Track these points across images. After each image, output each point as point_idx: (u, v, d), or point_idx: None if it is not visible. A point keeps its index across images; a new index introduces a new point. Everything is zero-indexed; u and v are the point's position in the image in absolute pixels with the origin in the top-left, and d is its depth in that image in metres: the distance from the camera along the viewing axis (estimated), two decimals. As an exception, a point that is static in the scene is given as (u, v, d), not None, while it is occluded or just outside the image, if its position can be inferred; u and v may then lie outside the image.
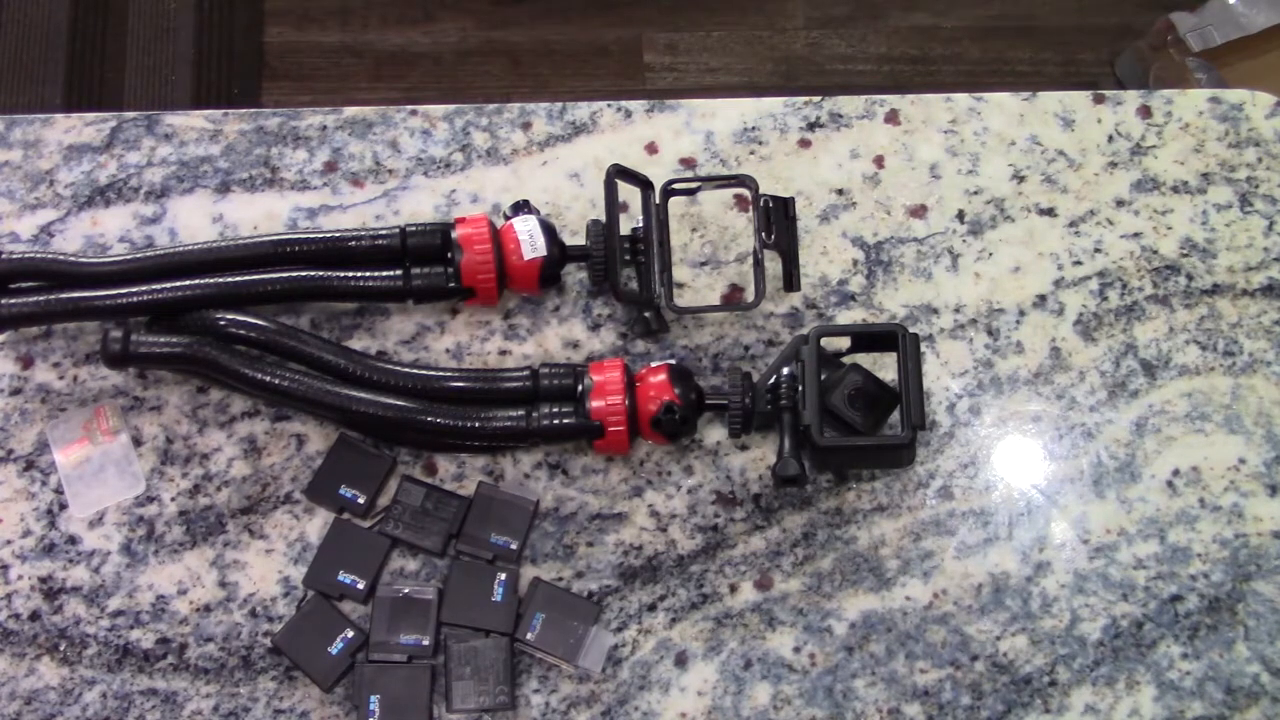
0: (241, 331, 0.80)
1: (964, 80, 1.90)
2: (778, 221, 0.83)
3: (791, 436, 0.77)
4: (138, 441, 0.83)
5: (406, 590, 0.79)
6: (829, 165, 0.90)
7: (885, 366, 0.81)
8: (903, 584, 0.80)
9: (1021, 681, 0.79)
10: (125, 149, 0.90)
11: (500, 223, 0.83)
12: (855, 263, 0.88)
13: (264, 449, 0.83)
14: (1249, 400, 0.85)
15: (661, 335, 0.85)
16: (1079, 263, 0.88)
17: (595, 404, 0.78)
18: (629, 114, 0.91)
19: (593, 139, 0.91)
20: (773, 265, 0.85)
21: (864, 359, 0.80)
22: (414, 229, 0.82)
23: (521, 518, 0.80)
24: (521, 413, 0.79)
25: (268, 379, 0.79)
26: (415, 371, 0.81)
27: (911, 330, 0.78)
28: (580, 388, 0.79)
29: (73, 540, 0.81)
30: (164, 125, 0.91)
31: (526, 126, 0.91)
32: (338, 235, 0.82)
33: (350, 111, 0.91)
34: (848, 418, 0.77)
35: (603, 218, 0.82)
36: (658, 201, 0.83)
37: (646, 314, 0.83)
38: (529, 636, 0.78)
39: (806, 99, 0.92)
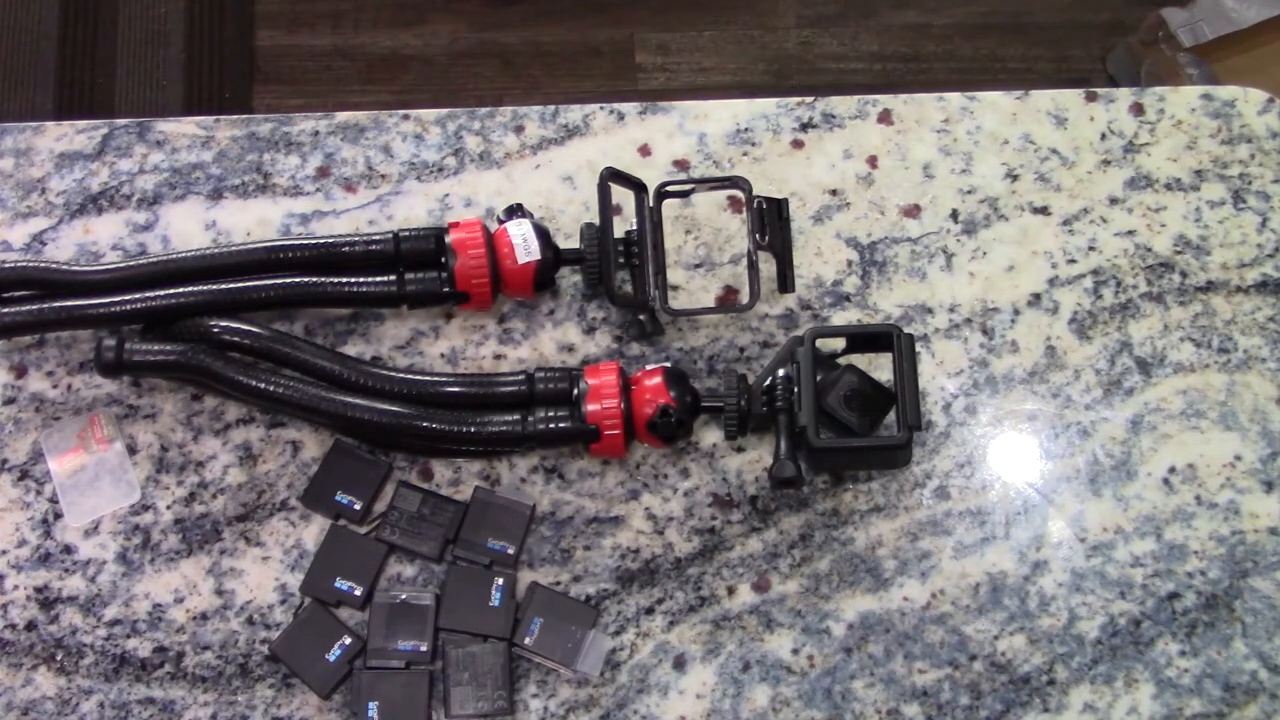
0: (235, 338, 0.80)
1: (956, 78, 1.90)
2: (771, 223, 0.84)
3: (788, 438, 0.77)
4: (132, 450, 0.83)
5: (404, 596, 0.78)
6: (822, 166, 0.90)
7: (880, 367, 0.81)
8: (900, 584, 0.80)
9: (1020, 681, 0.79)
10: (117, 156, 0.89)
11: (494, 227, 0.83)
12: (849, 263, 0.88)
13: (259, 456, 0.82)
14: (1244, 397, 0.85)
15: (656, 338, 0.85)
16: (1073, 261, 0.88)
17: (591, 407, 0.78)
18: (621, 116, 0.91)
19: (585, 142, 0.90)
20: (767, 267, 0.85)
21: (859, 360, 0.80)
22: (408, 234, 0.82)
23: (518, 522, 0.80)
24: (517, 417, 0.79)
25: (262, 386, 0.79)
26: (410, 377, 0.80)
27: (906, 330, 0.78)
28: (576, 391, 0.79)
29: (68, 550, 0.81)
30: (156, 132, 0.90)
31: (519, 130, 0.91)
32: (331, 241, 0.82)
33: (342, 116, 0.91)
34: (843, 419, 0.77)
35: (596, 221, 0.82)
36: (651, 204, 0.83)
37: (641, 317, 0.83)
38: (527, 641, 0.78)
39: (799, 100, 0.92)
